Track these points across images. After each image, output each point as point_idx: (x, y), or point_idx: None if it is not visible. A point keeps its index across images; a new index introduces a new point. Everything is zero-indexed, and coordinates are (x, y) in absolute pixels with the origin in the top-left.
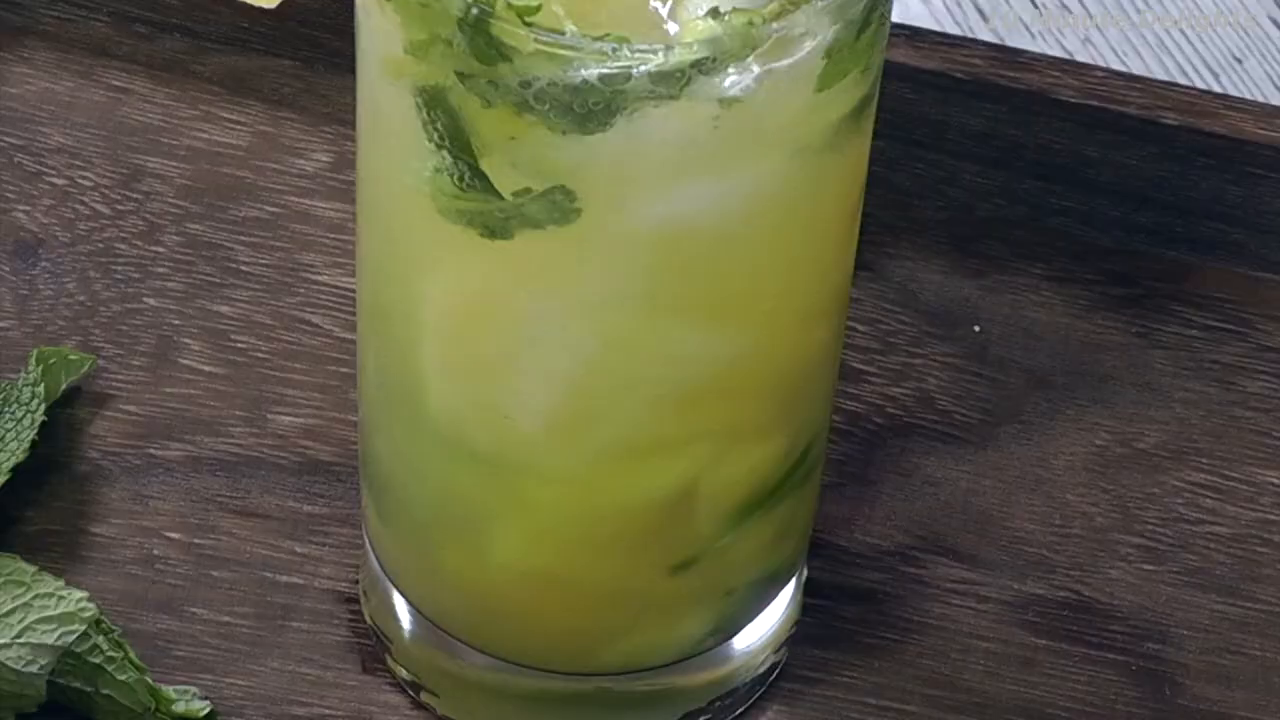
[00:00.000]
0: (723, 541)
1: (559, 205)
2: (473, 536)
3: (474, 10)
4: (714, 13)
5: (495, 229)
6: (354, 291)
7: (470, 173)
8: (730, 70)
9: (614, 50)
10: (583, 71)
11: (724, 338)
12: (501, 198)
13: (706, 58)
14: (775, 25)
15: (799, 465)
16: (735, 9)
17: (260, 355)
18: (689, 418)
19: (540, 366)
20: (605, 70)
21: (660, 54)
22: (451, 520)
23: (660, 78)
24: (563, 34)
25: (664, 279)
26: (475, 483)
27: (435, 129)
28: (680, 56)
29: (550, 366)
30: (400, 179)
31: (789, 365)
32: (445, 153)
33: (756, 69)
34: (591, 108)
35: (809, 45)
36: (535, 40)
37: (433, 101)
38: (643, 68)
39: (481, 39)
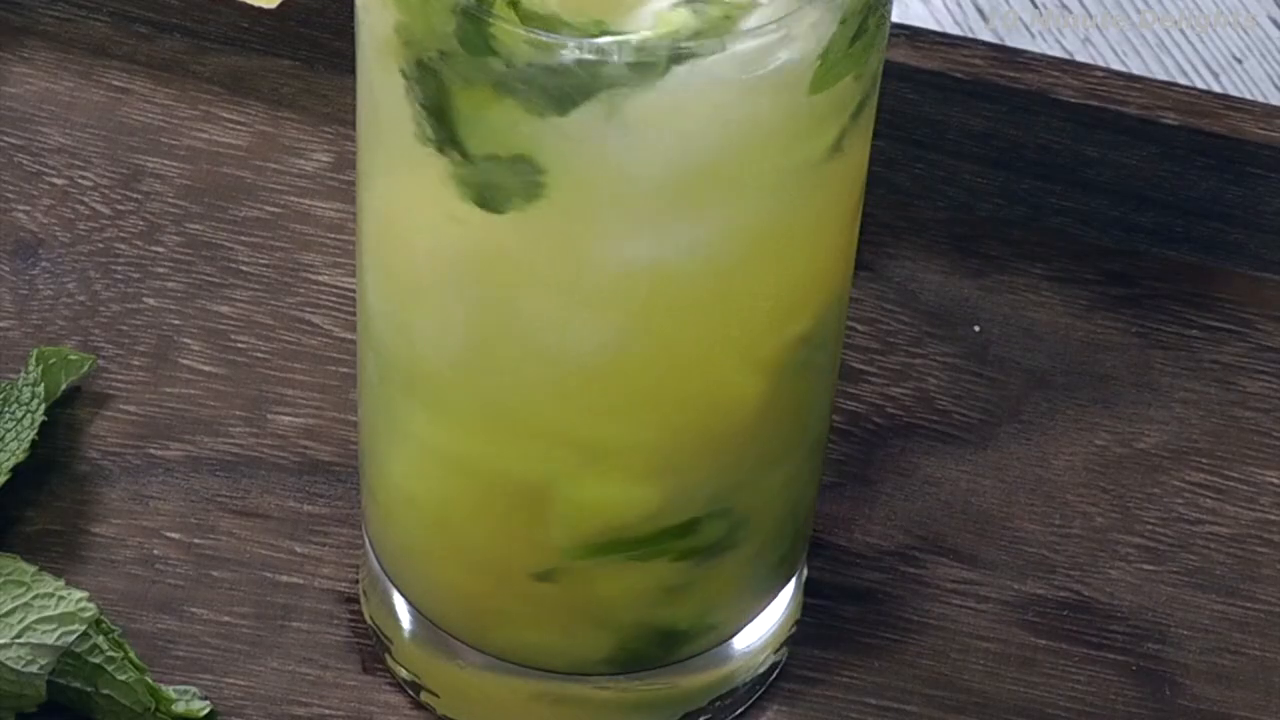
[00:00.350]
0: (576, 563)
1: (524, 177)
2: (382, 455)
3: (471, 8)
4: (688, 3)
5: (475, 195)
6: (354, 291)
7: (449, 141)
8: (712, 63)
9: (589, 40)
10: (561, 55)
11: (643, 345)
12: (471, 161)
13: (680, 48)
14: (753, 20)
15: (684, 534)
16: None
17: (260, 355)
18: (560, 416)
19: (456, 313)
20: (582, 57)
21: (633, 42)
22: (374, 436)
23: (637, 67)
24: (559, 33)
25: (619, 273)
26: (389, 399)
27: (417, 90)
28: (651, 45)
29: (462, 317)
30: (396, 163)
31: (685, 412)
32: (427, 115)
33: (742, 65)
34: (568, 92)
35: (800, 47)
36: (529, 38)
37: (417, 72)
38: (616, 56)
39: (475, 34)
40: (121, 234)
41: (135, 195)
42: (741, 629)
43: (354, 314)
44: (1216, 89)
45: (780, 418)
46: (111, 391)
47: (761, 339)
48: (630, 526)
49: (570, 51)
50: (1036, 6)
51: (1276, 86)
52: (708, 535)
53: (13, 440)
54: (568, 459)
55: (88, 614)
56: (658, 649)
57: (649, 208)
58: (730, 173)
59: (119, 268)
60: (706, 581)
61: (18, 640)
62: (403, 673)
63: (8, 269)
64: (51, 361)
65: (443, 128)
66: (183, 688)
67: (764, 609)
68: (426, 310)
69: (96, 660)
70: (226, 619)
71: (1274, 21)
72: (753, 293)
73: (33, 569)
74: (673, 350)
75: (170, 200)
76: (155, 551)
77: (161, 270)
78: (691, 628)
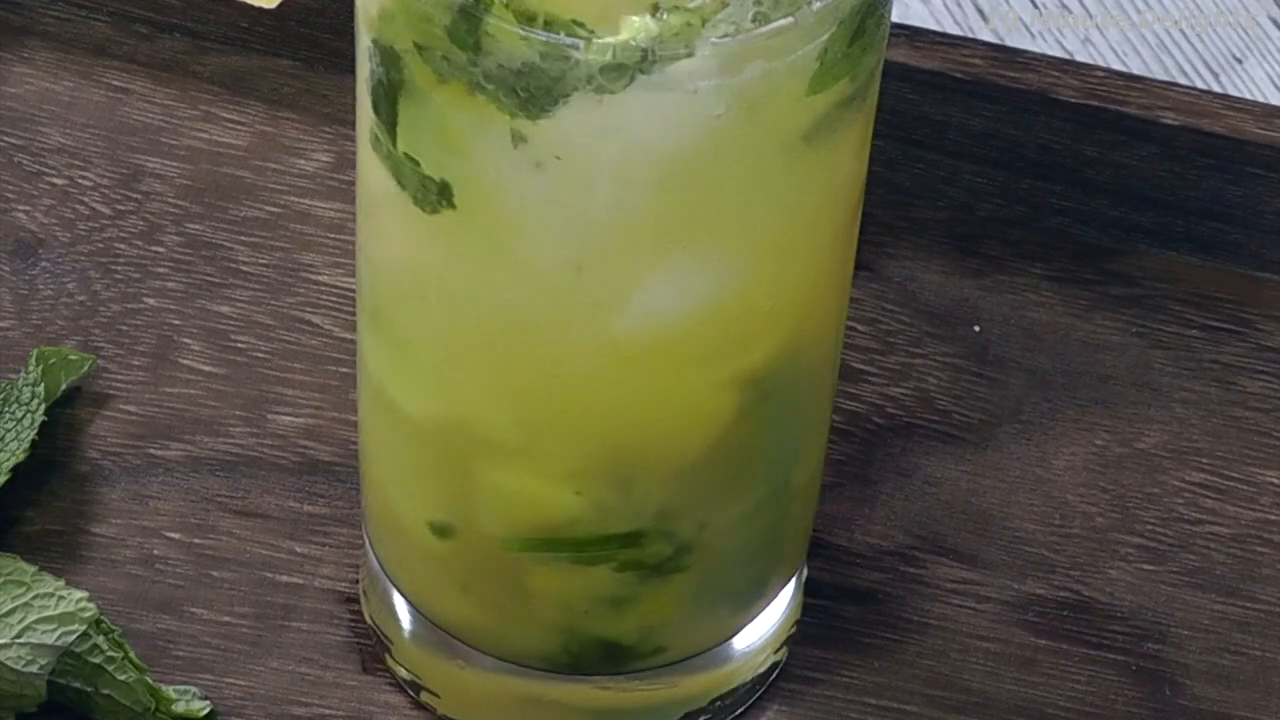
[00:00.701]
0: (468, 515)
1: (430, 192)
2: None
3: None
4: (653, 9)
5: (394, 175)
6: (354, 291)
7: (388, 128)
8: (674, 70)
9: (554, 38)
10: (548, 56)
11: (577, 359)
12: (394, 151)
13: (643, 54)
14: (712, 28)
15: (629, 545)
16: (675, 7)
17: (260, 355)
18: (485, 400)
19: (403, 263)
20: (541, 59)
21: (597, 45)
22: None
23: (605, 69)
24: (558, 33)
25: (548, 289)
26: (360, 330)
27: (375, 75)
28: (616, 50)
29: (409, 273)
30: (360, 104)
31: (622, 429)
32: (378, 88)
33: (718, 71)
34: (534, 92)
35: (791, 50)
36: (526, 36)
37: (385, 57)
38: (580, 56)
39: (468, 29)
40: (121, 234)
41: (135, 195)
42: (741, 629)
43: (354, 314)
44: (1216, 89)
45: (738, 451)
46: (111, 391)
47: (730, 360)
48: (562, 527)
49: (536, 52)
50: (1036, 6)
51: (1276, 86)
52: (654, 552)
53: (13, 440)
54: (490, 445)
55: (88, 614)
56: (599, 659)
57: (604, 233)
58: (720, 180)
59: (119, 268)
60: (653, 599)
61: (18, 640)
62: (403, 673)
63: (8, 269)
64: (51, 361)
65: (386, 113)
66: (183, 688)
67: (764, 609)
68: (380, 247)
69: (96, 660)
70: (226, 619)
71: (1274, 21)
72: (720, 312)
73: (33, 569)
74: (606, 368)
75: (170, 200)
76: (155, 551)
77: (161, 270)
78: (637, 645)
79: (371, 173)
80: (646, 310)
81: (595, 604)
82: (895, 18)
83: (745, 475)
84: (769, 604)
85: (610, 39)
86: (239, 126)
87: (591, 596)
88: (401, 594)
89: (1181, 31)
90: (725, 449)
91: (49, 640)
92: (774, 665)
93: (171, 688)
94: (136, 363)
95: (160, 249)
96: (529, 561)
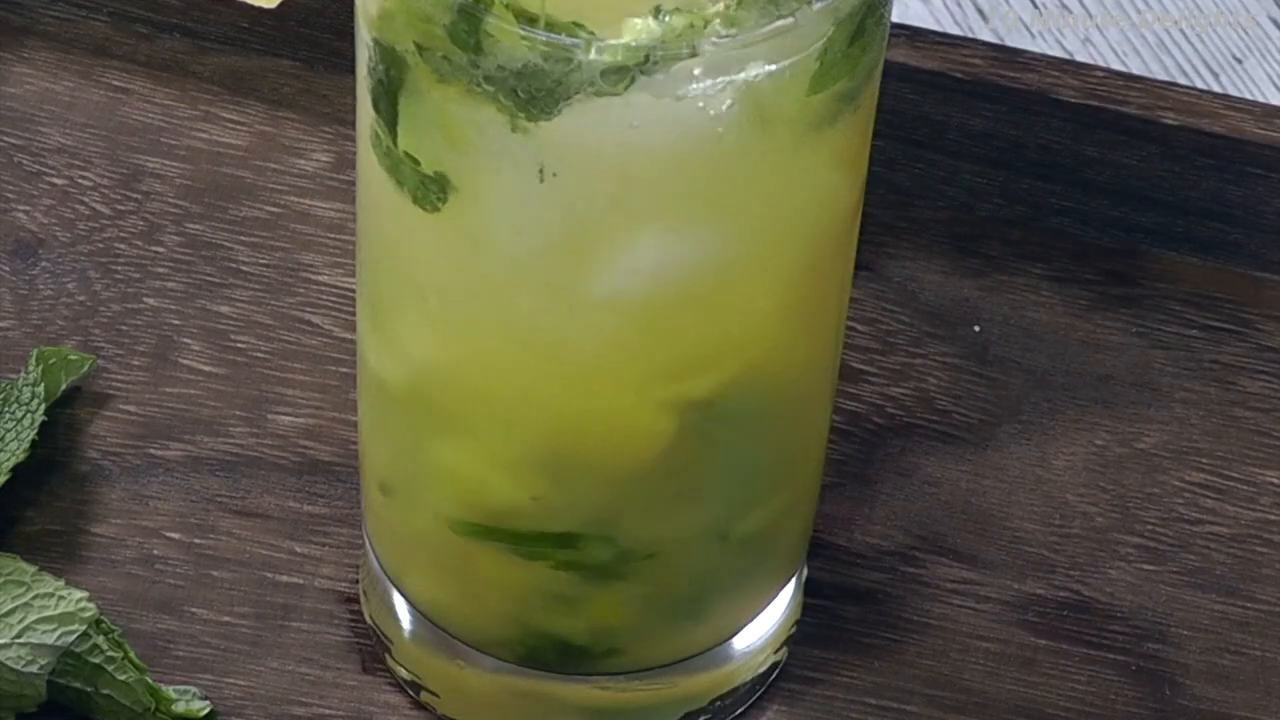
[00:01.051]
0: (405, 477)
1: (430, 191)
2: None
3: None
4: (656, 11)
5: (390, 170)
6: (354, 291)
7: (388, 127)
8: (667, 73)
9: (555, 39)
10: (549, 57)
11: (531, 360)
12: (394, 149)
13: (645, 56)
14: (718, 28)
15: (564, 545)
16: (677, 10)
17: (260, 355)
18: (442, 373)
19: (390, 245)
20: (542, 60)
21: (599, 46)
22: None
23: (607, 71)
24: (560, 34)
25: (524, 290)
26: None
27: (375, 73)
28: (619, 51)
29: (392, 255)
30: (360, 100)
31: (563, 429)
32: (378, 87)
33: (703, 74)
34: (535, 93)
35: (790, 50)
36: (527, 37)
37: (385, 56)
38: (583, 58)
39: (468, 30)
40: (121, 234)
41: (135, 195)
42: (741, 629)
43: (354, 314)
44: (1216, 89)
45: (685, 470)
46: (111, 391)
47: (723, 363)
48: (501, 516)
49: (538, 53)
50: (1036, 6)
51: (1276, 86)
52: (592, 555)
53: (13, 440)
54: (439, 421)
55: (88, 614)
56: (555, 656)
57: (591, 235)
58: (720, 180)
59: (119, 268)
60: (598, 602)
61: (18, 640)
62: (403, 673)
63: (8, 269)
64: (51, 361)
65: (386, 111)
66: (183, 688)
67: (764, 609)
68: (379, 247)
69: (96, 660)
70: (226, 619)
71: (1274, 21)
72: (720, 312)
73: (33, 569)
74: (605, 367)
75: (170, 200)
76: (155, 551)
77: (161, 270)
78: (589, 646)
79: (371, 172)
80: (647, 310)
81: (542, 599)
82: (895, 18)
83: (696, 495)
84: (770, 603)
85: (612, 40)
86: (239, 126)
87: (538, 591)
88: (402, 594)
89: (1181, 31)
90: (674, 466)
91: (49, 640)
92: (774, 665)
93: (171, 688)
94: (136, 363)
95: (160, 249)
96: (474, 547)
